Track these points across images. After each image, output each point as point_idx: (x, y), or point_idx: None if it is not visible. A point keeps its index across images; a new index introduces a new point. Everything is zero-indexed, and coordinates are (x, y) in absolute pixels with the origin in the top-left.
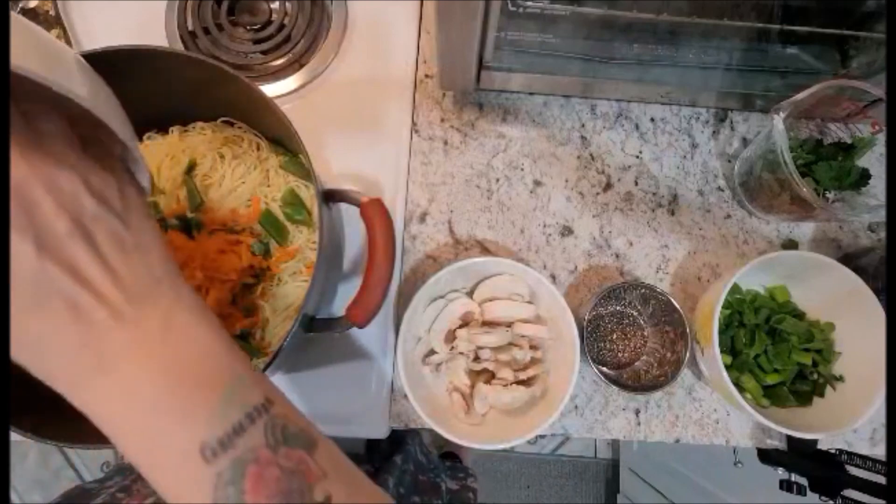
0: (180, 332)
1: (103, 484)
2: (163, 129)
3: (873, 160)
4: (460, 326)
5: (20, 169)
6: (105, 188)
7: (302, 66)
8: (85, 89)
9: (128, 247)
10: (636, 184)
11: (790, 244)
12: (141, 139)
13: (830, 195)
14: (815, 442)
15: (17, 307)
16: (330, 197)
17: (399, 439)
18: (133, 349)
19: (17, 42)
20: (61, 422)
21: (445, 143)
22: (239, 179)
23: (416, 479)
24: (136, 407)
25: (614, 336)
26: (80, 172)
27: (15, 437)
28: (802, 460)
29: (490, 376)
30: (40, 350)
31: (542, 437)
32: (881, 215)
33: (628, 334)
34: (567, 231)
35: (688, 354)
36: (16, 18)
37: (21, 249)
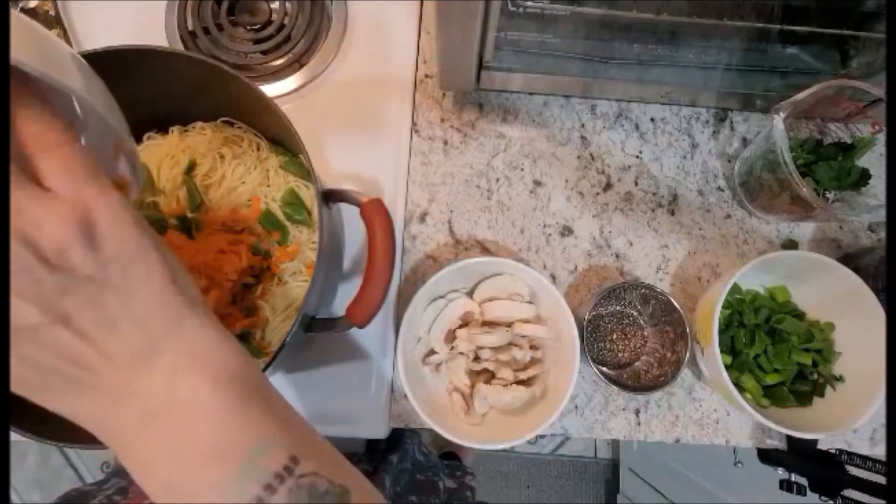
0: (185, 403)
1: (101, 486)
2: (163, 129)
3: (873, 160)
4: (460, 326)
5: None
6: (63, 239)
7: (302, 66)
8: (80, 83)
9: (110, 312)
10: (636, 184)
11: (790, 244)
12: (141, 139)
13: (830, 195)
14: (815, 442)
15: (28, 388)
16: (330, 197)
17: (397, 438)
18: (135, 427)
19: (12, 36)
20: (61, 422)
21: (445, 143)
22: (239, 179)
23: (414, 478)
24: (149, 488)
25: (614, 336)
26: (27, 235)
27: (15, 437)
28: (802, 460)
29: (490, 376)
30: (75, 419)
31: (542, 437)
32: (881, 215)
33: (628, 334)
34: (567, 231)
35: (688, 354)
36: (12, 14)
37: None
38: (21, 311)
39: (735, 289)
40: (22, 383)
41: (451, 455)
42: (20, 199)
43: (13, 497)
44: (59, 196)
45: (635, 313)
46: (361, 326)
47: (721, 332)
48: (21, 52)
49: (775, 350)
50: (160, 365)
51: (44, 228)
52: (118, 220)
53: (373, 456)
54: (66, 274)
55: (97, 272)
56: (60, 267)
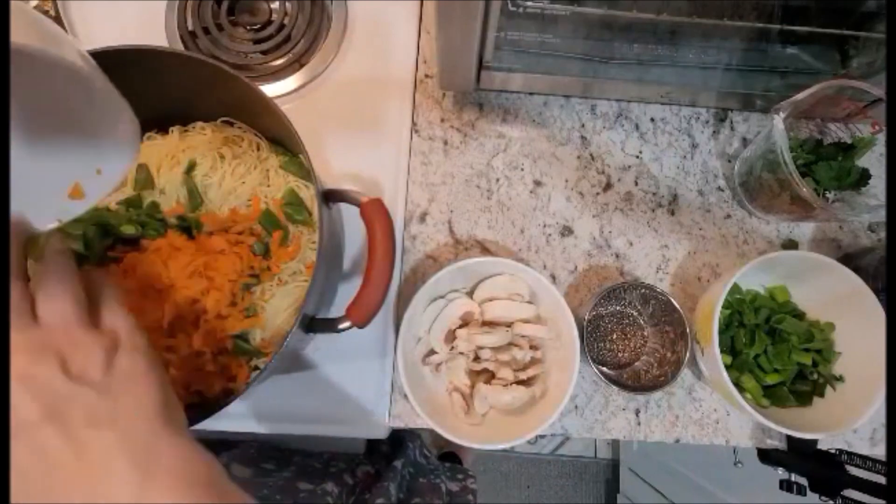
0: None
1: None
2: (163, 129)
3: (873, 160)
4: (460, 326)
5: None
6: (88, 360)
7: (302, 66)
8: (78, 58)
9: (100, 415)
10: (636, 184)
11: (790, 244)
12: (141, 139)
13: (830, 195)
14: (815, 442)
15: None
16: (330, 197)
17: (398, 440)
18: None
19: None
20: None
21: (445, 143)
22: (239, 179)
23: (416, 481)
24: None
25: (614, 336)
26: (64, 351)
27: None
28: (802, 460)
29: (490, 376)
30: None
31: (542, 437)
32: (881, 215)
33: (628, 334)
34: (567, 231)
35: (688, 354)
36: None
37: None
38: (26, 411)
39: (735, 289)
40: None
41: (451, 455)
42: (74, 326)
43: None
44: (100, 328)
45: (635, 313)
46: (361, 326)
47: (721, 332)
48: (20, 36)
49: (775, 350)
50: (133, 473)
51: (79, 351)
52: (136, 352)
53: (373, 457)
54: (77, 381)
55: (102, 382)
56: (76, 376)
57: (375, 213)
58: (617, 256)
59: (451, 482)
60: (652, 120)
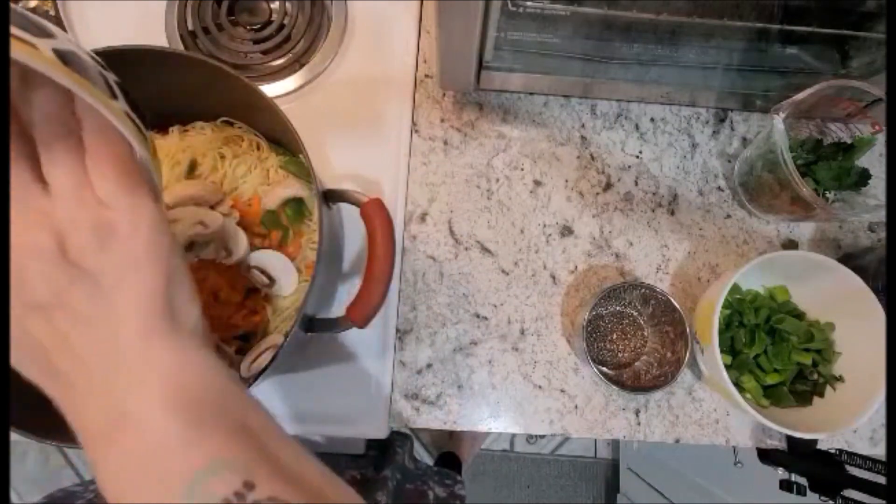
0: (135, 420)
1: (87, 486)
2: (163, 129)
3: (873, 160)
4: None
5: (11, 236)
6: (87, 243)
7: (302, 66)
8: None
9: (92, 310)
10: (636, 184)
11: (790, 244)
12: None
13: (830, 195)
14: (815, 442)
15: (22, 364)
16: (330, 197)
17: (387, 444)
18: (102, 433)
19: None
20: (61, 422)
21: (445, 142)
22: (240, 179)
23: (403, 488)
24: (108, 498)
25: (614, 336)
26: (63, 228)
27: (15, 437)
28: (802, 460)
29: None
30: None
31: (541, 437)
32: (881, 215)
33: (628, 334)
34: (567, 231)
35: (688, 354)
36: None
37: (12, 311)
38: (35, 290)
39: (735, 289)
40: (17, 358)
41: (450, 455)
42: (71, 196)
43: (13, 497)
44: (98, 204)
45: (635, 313)
46: (361, 326)
47: (721, 332)
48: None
49: (775, 350)
50: (120, 377)
51: (76, 229)
52: (136, 233)
53: (361, 461)
54: (77, 269)
55: (98, 270)
56: (75, 263)
57: (375, 213)
58: (617, 256)
59: (439, 487)
60: (652, 120)
